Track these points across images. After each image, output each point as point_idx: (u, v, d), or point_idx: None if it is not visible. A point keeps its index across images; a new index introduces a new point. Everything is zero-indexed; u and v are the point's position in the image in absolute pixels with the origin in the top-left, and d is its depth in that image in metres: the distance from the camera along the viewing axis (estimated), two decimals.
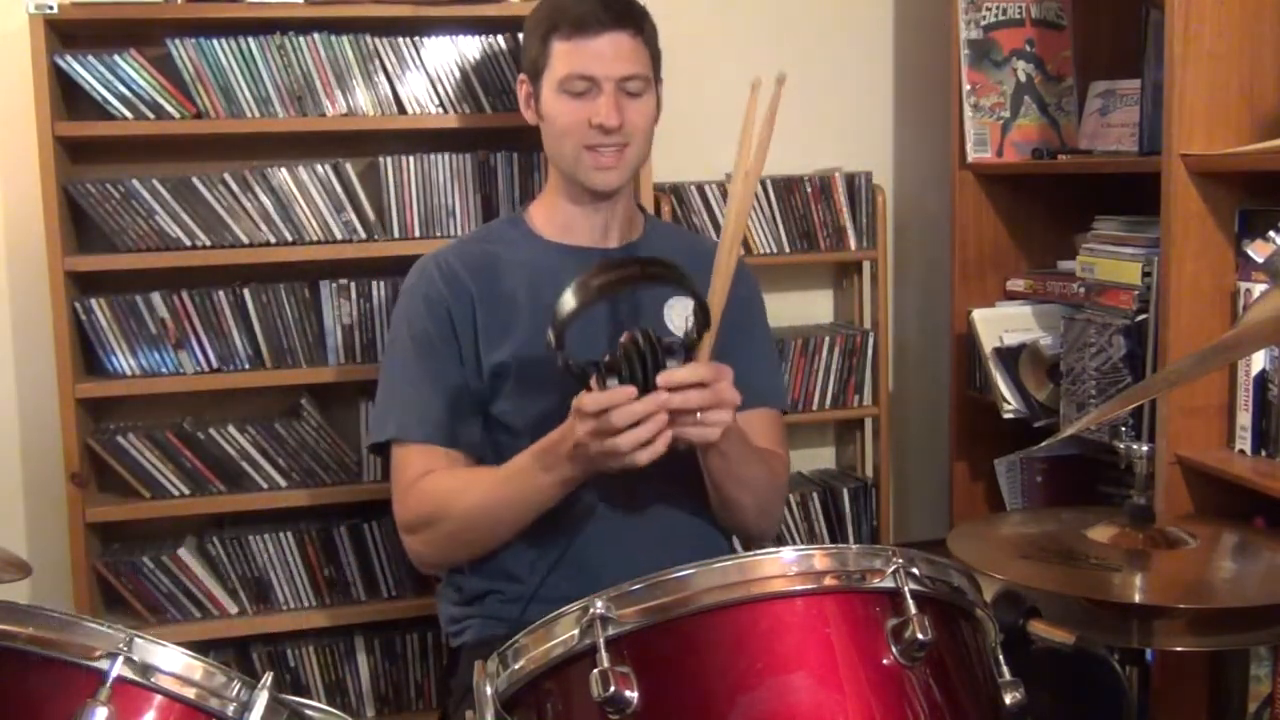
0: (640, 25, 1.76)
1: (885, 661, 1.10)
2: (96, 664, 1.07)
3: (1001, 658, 1.22)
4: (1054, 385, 2.35)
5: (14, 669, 1.08)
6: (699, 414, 1.52)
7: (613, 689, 1.06)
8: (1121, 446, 1.70)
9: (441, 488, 1.71)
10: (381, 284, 2.41)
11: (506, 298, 1.77)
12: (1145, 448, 1.68)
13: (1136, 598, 1.51)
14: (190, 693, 1.10)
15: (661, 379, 1.49)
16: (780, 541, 2.66)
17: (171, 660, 1.10)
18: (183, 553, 2.37)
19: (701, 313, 1.53)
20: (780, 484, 1.86)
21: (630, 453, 1.48)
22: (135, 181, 2.30)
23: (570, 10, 1.73)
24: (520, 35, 2.40)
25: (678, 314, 1.77)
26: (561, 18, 1.73)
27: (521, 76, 1.82)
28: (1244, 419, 1.92)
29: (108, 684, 1.06)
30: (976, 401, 2.59)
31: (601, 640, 1.08)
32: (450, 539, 1.72)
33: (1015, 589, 1.46)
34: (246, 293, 2.37)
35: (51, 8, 2.19)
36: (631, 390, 1.48)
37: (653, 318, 1.76)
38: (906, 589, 1.11)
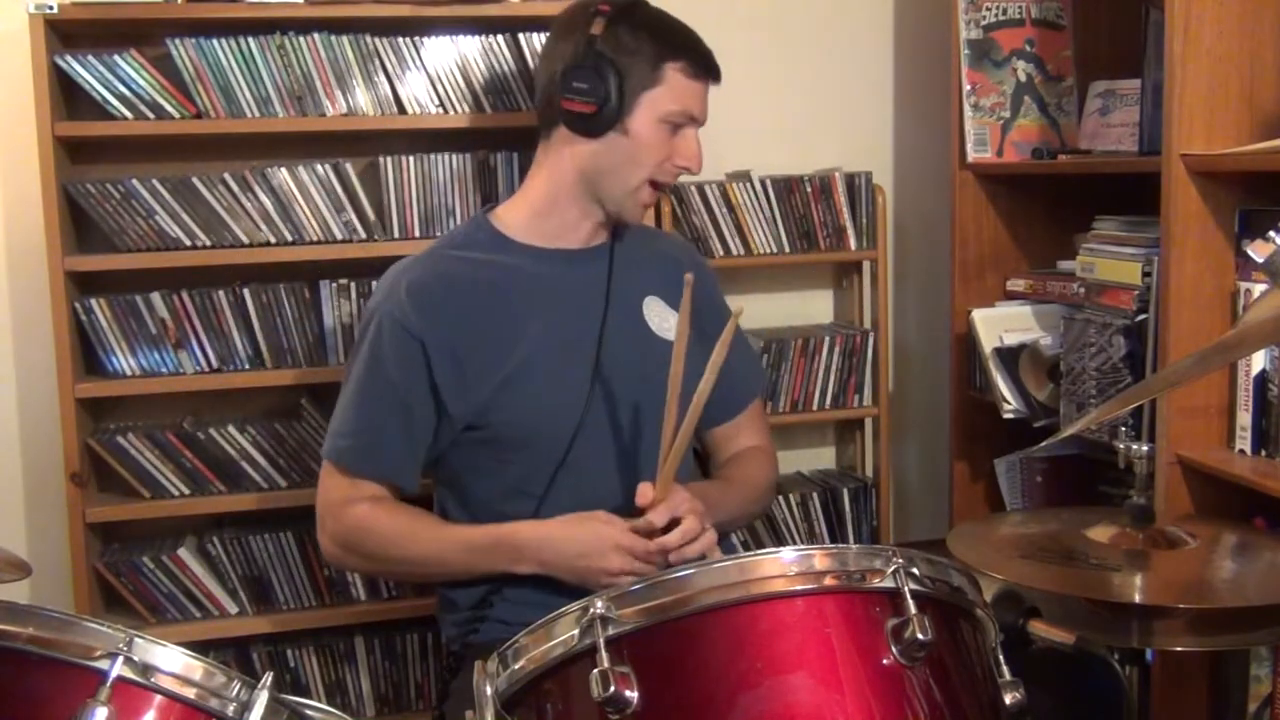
0: None
1: (885, 661, 1.10)
2: (96, 664, 1.07)
3: (1001, 658, 1.22)
4: (1054, 385, 2.35)
5: (14, 669, 1.08)
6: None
7: (613, 689, 1.06)
8: (1121, 447, 1.70)
9: (381, 527, 1.71)
10: None
11: (491, 320, 1.72)
12: (1145, 448, 1.67)
13: (1136, 598, 1.50)
14: (190, 693, 1.10)
15: (657, 545, 1.57)
16: (780, 541, 2.66)
17: (171, 660, 1.10)
18: (183, 553, 2.37)
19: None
20: (769, 482, 1.92)
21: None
22: (135, 181, 2.30)
23: (693, 45, 1.71)
24: (520, 35, 2.41)
25: (655, 312, 1.79)
26: (683, 48, 1.70)
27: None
28: (1244, 419, 1.92)
29: (108, 684, 1.06)
30: (976, 401, 2.59)
31: (601, 640, 1.08)
32: (374, 571, 1.86)
33: (1015, 589, 1.46)
34: (246, 293, 2.37)
35: (51, 8, 2.19)
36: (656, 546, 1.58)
37: (633, 314, 1.77)
38: (906, 589, 1.11)
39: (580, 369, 1.72)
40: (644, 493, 1.58)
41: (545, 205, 1.78)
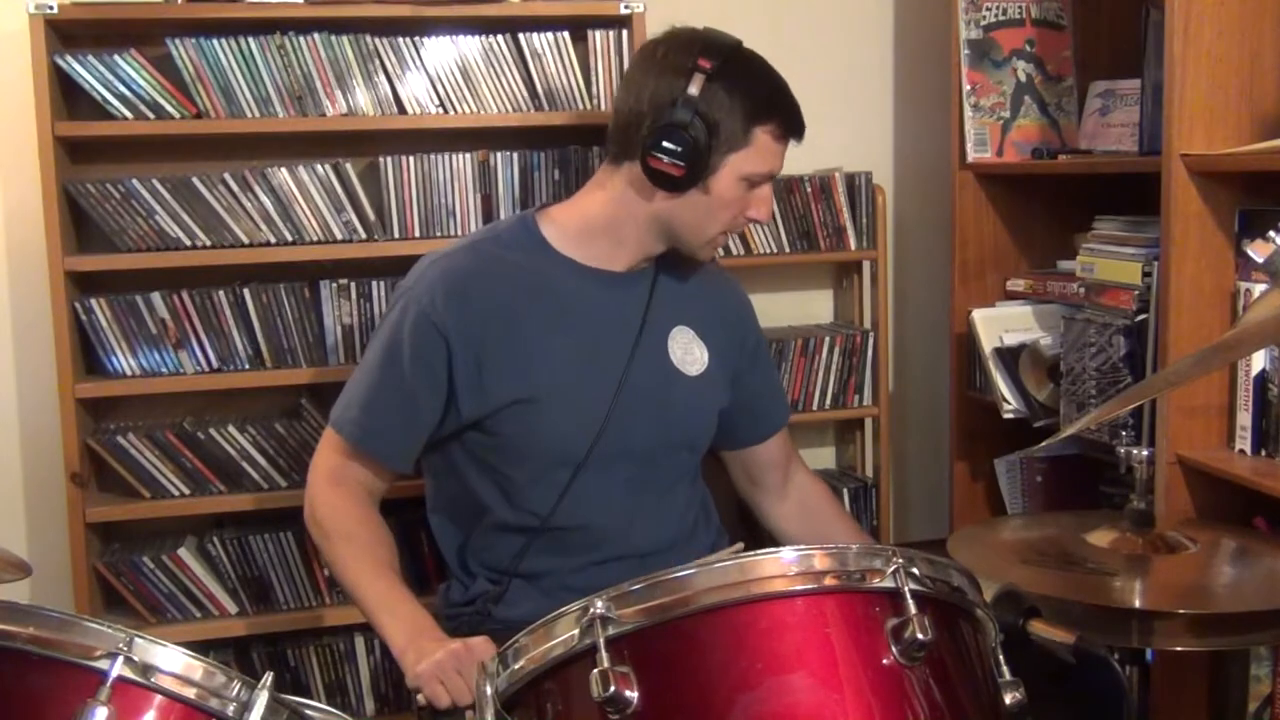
0: None
1: (885, 661, 1.10)
2: (96, 664, 1.07)
3: (1001, 658, 1.22)
4: (1054, 385, 2.35)
5: (14, 669, 1.08)
6: None
7: (613, 689, 1.06)
8: (1121, 451, 1.70)
9: (338, 524, 1.69)
10: (381, 284, 2.41)
11: (520, 328, 1.68)
12: (1145, 452, 1.67)
13: (1136, 603, 1.51)
14: (190, 693, 1.10)
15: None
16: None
17: (171, 660, 1.10)
18: (183, 553, 2.37)
19: None
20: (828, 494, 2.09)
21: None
22: (135, 181, 2.30)
23: (785, 105, 1.70)
24: (520, 35, 2.41)
25: (679, 344, 1.78)
26: (776, 109, 1.69)
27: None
28: (1244, 419, 1.92)
29: (108, 684, 1.06)
30: (976, 401, 2.59)
31: (601, 640, 1.08)
32: (320, 551, 1.75)
33: (1015, 588, 1.46)
34: (246, 293, 2.37)
35: (51, 8, 2.20)
36: None
37: (659, 344, 1.75)
38: (906, 589, 1.11)
39: (601, 394, 1.70)
40: None
41: (603, 229, 1.72)
